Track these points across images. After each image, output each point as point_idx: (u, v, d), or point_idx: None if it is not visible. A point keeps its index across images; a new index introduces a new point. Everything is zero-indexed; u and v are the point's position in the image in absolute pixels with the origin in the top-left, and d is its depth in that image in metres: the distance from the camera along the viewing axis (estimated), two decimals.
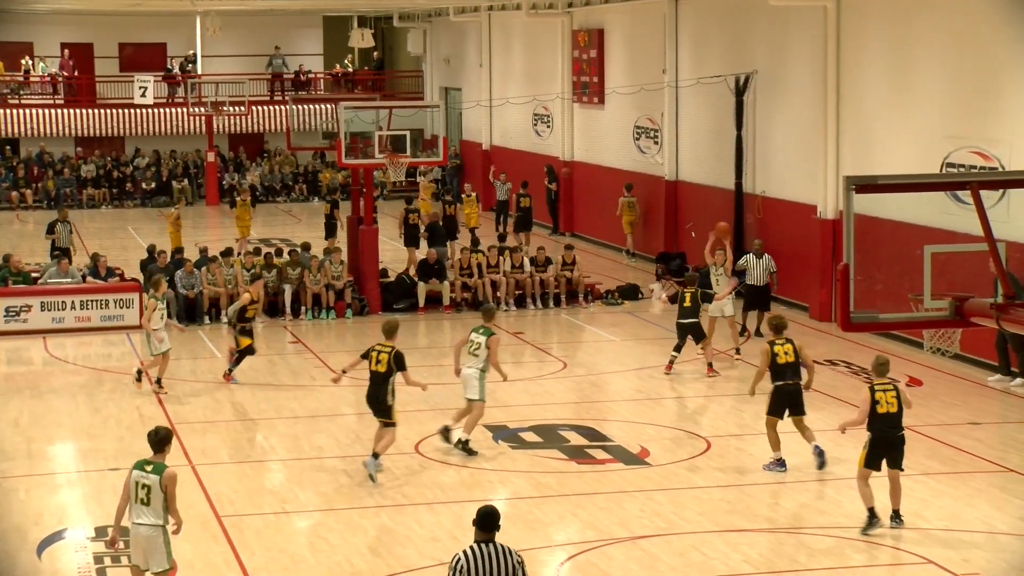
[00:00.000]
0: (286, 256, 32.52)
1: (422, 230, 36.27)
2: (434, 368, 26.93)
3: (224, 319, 26.64)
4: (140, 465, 13.83)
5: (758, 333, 28.02)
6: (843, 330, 11.81)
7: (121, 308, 30.34)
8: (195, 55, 58.31)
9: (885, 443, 16.76)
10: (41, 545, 17.21)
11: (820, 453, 19.77)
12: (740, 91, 33.85)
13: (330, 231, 37.72)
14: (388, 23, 60.35)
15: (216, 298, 30.81)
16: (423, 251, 33.91)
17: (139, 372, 24.50)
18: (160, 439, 14.02)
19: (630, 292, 33.64)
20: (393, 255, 36.42)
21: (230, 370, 25.49)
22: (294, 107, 55.12)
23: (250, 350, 25.32)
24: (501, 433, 22.02)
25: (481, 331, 21.19)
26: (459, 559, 11.06)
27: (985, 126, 25.81)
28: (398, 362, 19.65)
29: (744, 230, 34.02)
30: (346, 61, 61.75)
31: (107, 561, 16.33)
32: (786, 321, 20.41)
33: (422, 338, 30.39)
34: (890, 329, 23.88)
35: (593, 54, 42.12)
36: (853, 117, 29.83)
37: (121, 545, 14.55)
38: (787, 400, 19.59)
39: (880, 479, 17.13)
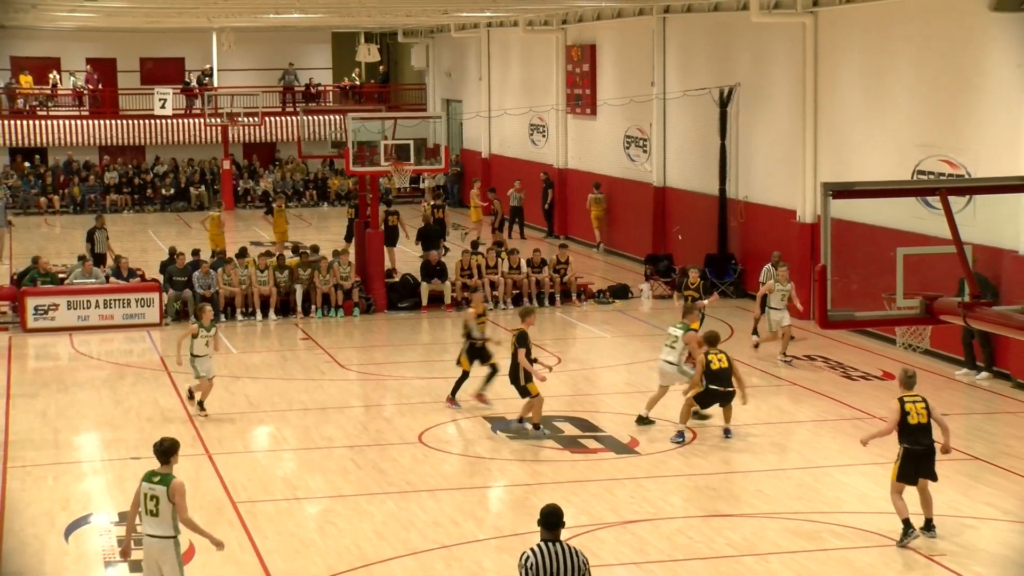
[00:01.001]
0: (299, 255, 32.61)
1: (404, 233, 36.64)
2: (437, 363, 26.94)
3: (464, 333, 23.53)
4: (148, 477, 13.31)
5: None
6: (821, 327, 11.81)
7: (142, 307, 30.33)
8: (211, 69, 58.42)
9: (917, 455, 15.90)
10: (68, 529, 17.22)
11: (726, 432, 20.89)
12: (724, 102, 33.87)
13: (350, 234, 37.63)
14: (393, 39, 60.36)
15: (232, 297, 30.89)
16: (411, 250, 33.92)
17: (190, 391, 23.23)
18: (165, 450, 13.42)
19: (621, 292, 33.66)
20: (399, 256, 36.38)
21: (481, 394, 23.13)
22: (305, 118, 55.24)
23: (493, 368, 23.01)
24: (499, 424, 22.00)
25: (679, 326, 21.58)
26: (528, 556, 10.84)
27: (953, 136, 25.82)
28: (519, 341, 21.14)
29: (728, 234, 34.09)
30: (354, 74, 61.80)
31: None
32: (719, 335, 21.38)
33: (425, 335, 30.41)
34: (865, 327, 23.85)
35: (586, 68, 42.14)
36: (830, 127, 29.84)
37: (133, 556, 14.27)
38: (719, 397, 20.66)
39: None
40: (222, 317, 30.47)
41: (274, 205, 40.83)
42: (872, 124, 28.33)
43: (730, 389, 20.51)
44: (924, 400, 16.02)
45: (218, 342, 22.96)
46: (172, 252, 32.15)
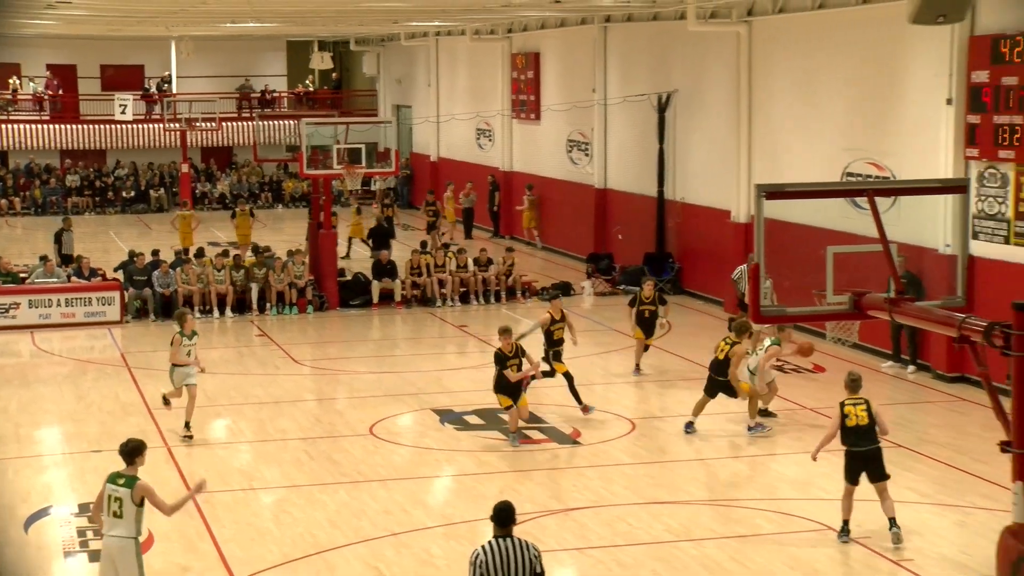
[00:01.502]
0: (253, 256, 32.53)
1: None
2: (387, 359, 26.95)
3: (524, 332, 22.56)
4: (112, 479, 12.78)
5: None
6: (755, 322, 11.87)
7: (103, 305, 30.12)
8: (170, 76, 58.07)
9: (858, 456, 15.61)
10: (28, 521, 17.04)
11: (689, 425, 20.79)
12: (662, 108, 33.94)
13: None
14: (345, 47, 60.18)
15: (190, 295, 30.72)
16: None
17: (164, 397, 21.38)
18: (131, 450, 12.90)
19: (563, 288, 33.62)
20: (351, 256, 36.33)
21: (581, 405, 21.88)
22: (260, 123, 55.10)
23: (566, 376, 21.95)
24: (447, 416, 21.98)
25: (772, 340, 21.06)
26: (478, 554, 10.67)
27: (879, 140, 25.96)
28: (496, 360, 20.33)
29: (666, 233, 34.17)
30: (307, 81, 61.64)
31: (89, 535, 16.18)
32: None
33: (376, 331, 30.33)
34: (797, 321, 23.94)
35: (530, 75, 42.16)
36: (763, 131, 29.95)
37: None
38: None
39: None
40: None
41: (237, 209, 40.68)
42: (803, 129, 28.46)
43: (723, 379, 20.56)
44: (867, 403, 15.75)
45: (197, 356, 20.99)
46: (131, 255, 31.97)
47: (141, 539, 12.88)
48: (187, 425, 20.71)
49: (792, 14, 28.71)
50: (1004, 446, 9.94)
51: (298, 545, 16.07)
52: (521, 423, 20.36)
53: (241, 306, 31.21)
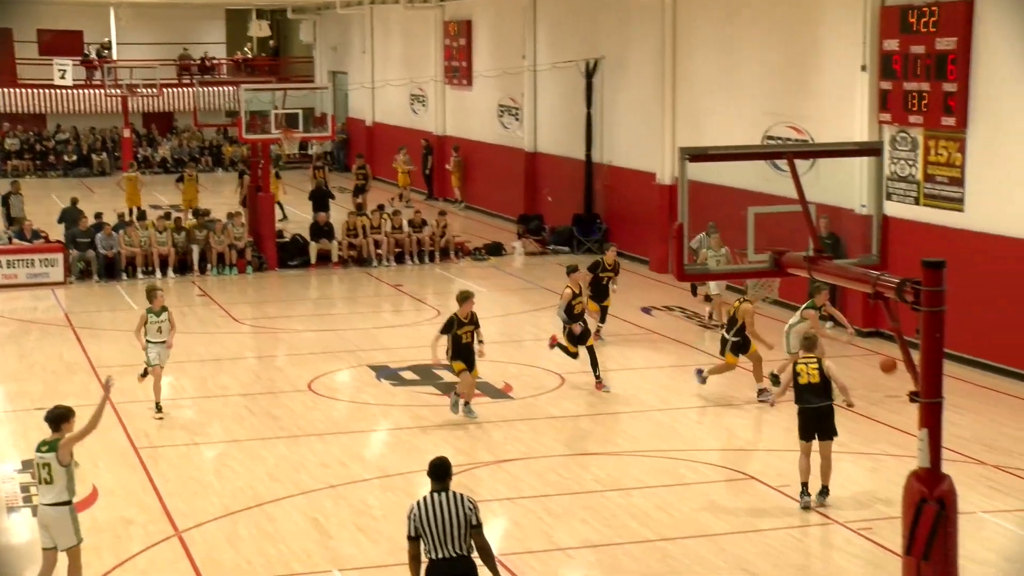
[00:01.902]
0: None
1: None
2: (325, 317, 26.88)
3: (559, 314, 21.09)
4: (39, 447, 12.40)
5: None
6: (678, 280, 11.91)
7: (46, 267, 29.79)
8: (110, 42, 57.34)
9: (809, 414, 15.32)
10: None
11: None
12: (590, 74, 33.94)
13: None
14: (283, 15, 59.72)
15: (133, 257, 30.56)
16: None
17: (145, 371, 20.04)
18: (55, 417, 12.49)
19: (495, 249, 33.72)
20: (288, 217, 36.10)
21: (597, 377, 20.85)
22: (200, 89, 54.58)
23: (590, 350, 20.88)
24: (383, 372, 21.96)
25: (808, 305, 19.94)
26: (413, 508, 10.61)
27: (798, 104, 26.09)
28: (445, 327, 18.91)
29: (593, 195, 34.23)
30: (246, 49, 61.16)
31: (32, 491, 16.03)
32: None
33: (313, 291, 30.24)
34: (718, 279, 24.13)
35: (462, 42, 42.03)
36: (687, 96, 30.02)
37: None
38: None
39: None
40: (123, 276, 30.18)
41: (185, 173, 40.34)
42: (725, 94, 28.55)
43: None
44: (819, 361, 15.49)
45: (173, 331, 19.79)
46: (73, 202, 31.76)
47: (75, 500, 12.63)
48: (158, 407, 19.58)
49: None
50: (912, 396, 10.04)
51: (239, 498, 16.02)
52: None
53: (183, 267, 31.01)
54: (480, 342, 18.92)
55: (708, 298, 25.31)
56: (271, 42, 61.96)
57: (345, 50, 53.93)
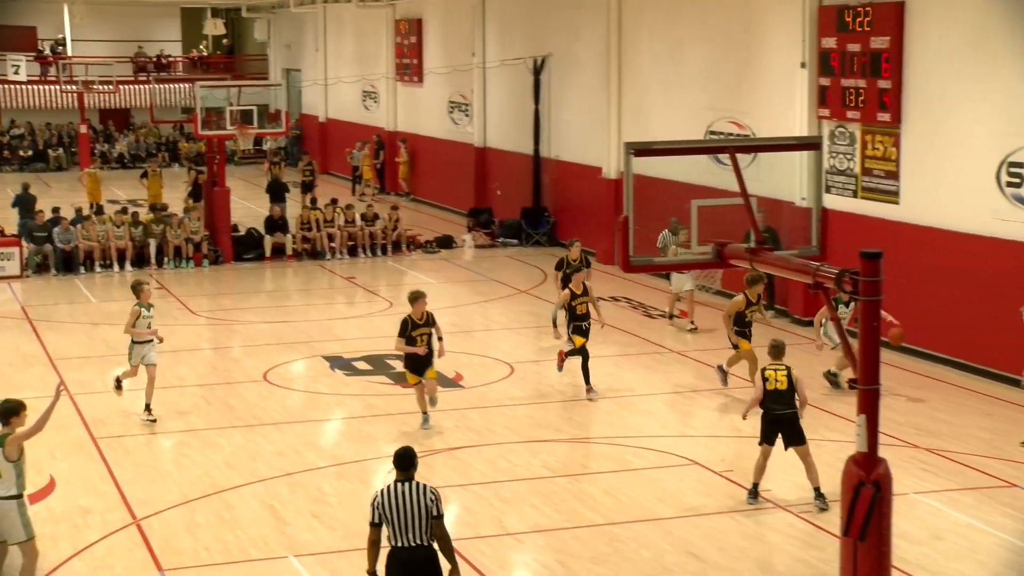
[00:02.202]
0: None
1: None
2: (280, 308, 26.78)
3: (552, 317, 20.05)
4: None
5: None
6: (624, 271, 11.93)
7: (2, 260, 29.52)
8: (64, 39, 56.82)
9: (774, 420, 14.96)
10: None
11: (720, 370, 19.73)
12: (537, 71, 33.96)
13: (196, 194, 37.25)
14: (237, 14, 59.35)
15: (90, 251, 30.39)
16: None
17: (118, 380, 19.04)
18: (4, 412, 12.02)
19: (445, 242, 33.68)
20: (244, 212, 35.93)
21: (561, 366, 19.97)
22: (156, 86, 54.21)
23: (583, 351, 19.66)
24: (337, 362, 21.91)
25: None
26: (376, 496, 10.58)
27: (739, 100, 26.20)
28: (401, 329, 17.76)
29: (542, 189, 34.26)
30: (201, 47, 60.79)
31: None
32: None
33: (268, 283, 30.12)
34: (663, 270, 24.22)
35: (413, 40, 41.96)
36: (632, 92, 30.08)
37: None
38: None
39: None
40: (81, 269, 29.99)
41: (149, 169, 40.05)
42: (669, 90, 28.62)
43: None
44: (788, 369, 15.20)
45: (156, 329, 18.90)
46: (24, 187, 31.54)
47: (31, 491, 12.39)
48: (147, 408, 18.56)
49: None
50: (851, 383, 10.11)
51: (197, 485, 15.94)
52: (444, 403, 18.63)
53: (140, 260, 30.85)
54: (440, 339, 17.87)
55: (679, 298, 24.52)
56: (226, 40, 61.64)
57: (299, 48, 53.73)
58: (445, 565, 10.60)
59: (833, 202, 23.44)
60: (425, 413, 18.00)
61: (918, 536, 14.05)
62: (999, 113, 20.31)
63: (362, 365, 21.83)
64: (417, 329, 17.64)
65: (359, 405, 19.58)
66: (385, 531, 10.51)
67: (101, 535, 14.34)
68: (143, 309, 18.59)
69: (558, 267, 23.21)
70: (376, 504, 10.53)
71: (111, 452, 17.24)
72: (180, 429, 18.44)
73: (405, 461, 10.70)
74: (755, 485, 15.22)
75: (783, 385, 15.03)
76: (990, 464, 16.42)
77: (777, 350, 15.55)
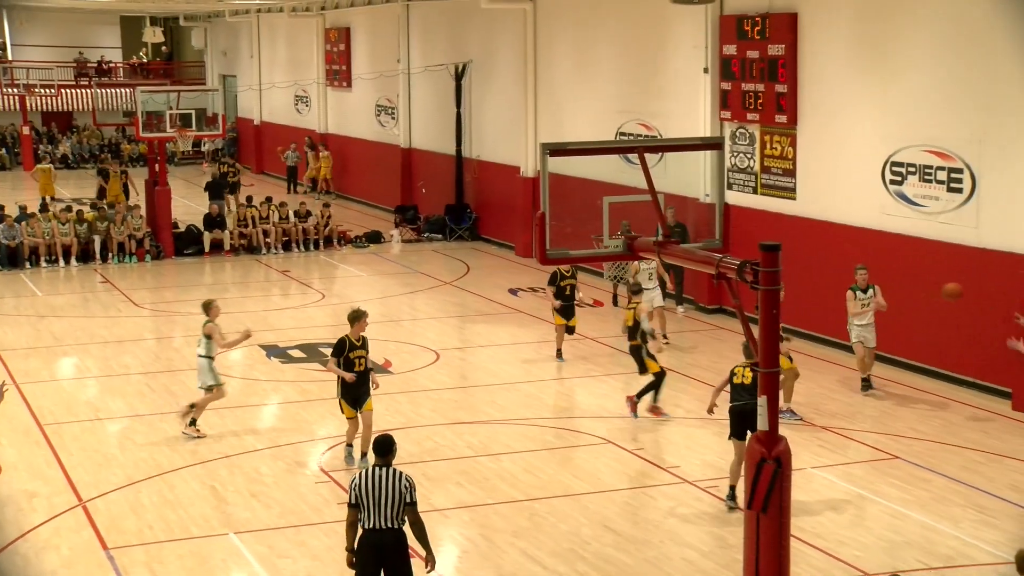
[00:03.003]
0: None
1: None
2: (219, 301, 26.44)
3: (647, 331, 17.76)
4: None
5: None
6: (541, 264, 11.91)
7: None
8: (5, 43, 55.88)
9: (737, 412, 14.38)
10: None
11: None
12: (459, 76, 33.89)
13: (124, 192, 37.15)
14: (175, 22, 58.80)
15: (36, 247, 29.97)
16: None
17: (191, 411, 17.28)
18: None
19: (374, 237, 33.56)
20: (184, 210, 35.56)
21: (638, 397, 17.68)
22: (98, 91, 53.51)
23: (661, 376, 17.56)
24: (272, 351, 21.76)
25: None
26: (354, 479, 10.53)
27: (647, 103, 26.29)
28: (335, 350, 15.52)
29: (464, 187, 34.20)
30: (141, 53, 60.07)
31: None
32: None
33: (208, 277, 29.83)
34: (578, 262, 24.23)
35: (342, 47, 41.75)
36: (547, 96, 30.10)
37: None
38: None
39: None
40: (27, 264, 29.57)
41: (110, 169, 39.46)
42: (582, 94, 28.67)
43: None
44: (753, 367, 14.90)
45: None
46: None
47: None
48: (193, 422, 17.11)
49: None
50: (753, 367, 10.16)
51: (141, 468, 15.78)
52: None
53: (85, 256, 30.47)
54: (370, 369, 15.58)
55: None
56: (165, 47, 60.95)
57: (234, 55, 53.27)
58: (421, 553, 10.63)
59: (735, 198, 23.61)
60: (350, 446, 15.77)
61: (815, 507, 14.20)
62: (883, 116, 20.56)
63: (296, 353, 21.70)
64: (355, 351, 15.31)
65: (294, 391, 19.46)
66: (360, 513, 10.46)
67: (47, 517, 14.14)
68: (215, 326, 17.14)
69: (551, 282, 20.38)
70: (354, 486, 10.48)
71: (57, 438, 17.01)
72: (125, 415, 18.24)
73: (383, 447, 10.65)
74: (731, 488, 14.25)
75: (748, 380, 14.41)
76: (877, 439, 16.65)
77: (747, 350, 15.00)
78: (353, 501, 10.50)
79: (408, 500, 10.43)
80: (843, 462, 15.83)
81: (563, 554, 13.00)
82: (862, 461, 15.87)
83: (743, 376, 14.69)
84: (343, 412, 15.59)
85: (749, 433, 14.59)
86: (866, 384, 18.83)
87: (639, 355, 17.62)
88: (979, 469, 15.44)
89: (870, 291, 18.62)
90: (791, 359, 17.24)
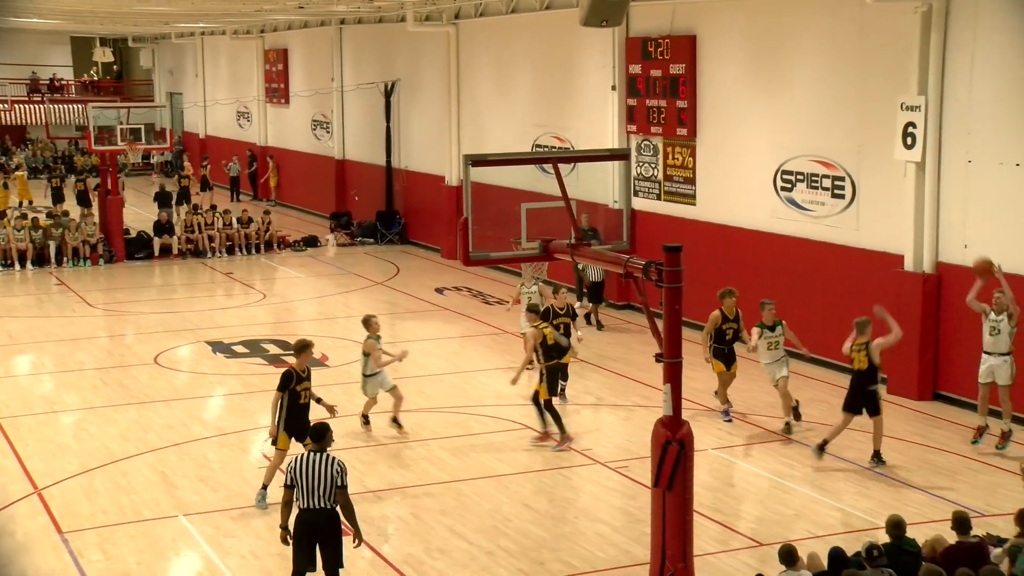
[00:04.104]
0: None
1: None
2: (167, 301, 26.25)
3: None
4: None
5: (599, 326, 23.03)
6: (465, 265, 11.89)
7: None
8: None
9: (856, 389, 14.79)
10: None
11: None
12: (388, 93, 33.76)
13: (83, 200, 36.58)
14: (125, 43, 57.99)
15: None
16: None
17: (364, 417, 16.47)
18: None
19: (311, 241, 33.34)
20: (134, 217, 35.09)
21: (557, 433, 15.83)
22: (51, 106, 52.66)
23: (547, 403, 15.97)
24: (218, 347, 21.54)
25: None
26: (291, 462, 10.51)
27: (560, 118, 26.35)
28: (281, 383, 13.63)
29: (393, 195, 34.09)
30: (92, 71, 59.18)
31: None
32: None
33: (157, 279, 29.47)
34: (498, 263, 24.20)
35: (280, 67, 41.44)
36: (469, 111, 30.07)
37: None
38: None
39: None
40: None
41: (85, 181, 38.76)
42: (501, 109, 28.68)
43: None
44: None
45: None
46: None
47: None
48: (395, 420, 16.21)
49: (490, 17, 28.85)
50: (658, 357, 10.21)
51: (95, 456, 15.54)
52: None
53: (40, 260, 29.98)
54: (319, 399, 14.13)
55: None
56: (114, 67, 60.11)
57: (180, 74, 52.70)
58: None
59: (641, 204, 23.73)
60: (265, 487, 13.67)
61: (714, 484, 14.30)
62: (773, 129, 20.76)
63: (240, 348, 21.50)
64: (301, 383, 13.63)
65: (238, 383, 19.28)
66: (296, 493, 10.44)
67: (3, 505, 13.89)
68: (375, 340, 15.93)
69: (544, 317, 16.80)
70: (290, 468, 10.49)
71: (13, 430, 16.71)
72: (80, 407, 17.96)
73: (317, 434, 10.70)
74: (825, 441, 14.99)
75: (864, 365, 14.67)
76: (770, 423, 16.80)
77: (862, 326, 14.90)
78: (289, 483, 10.47)
79: (340, 483, 10.43)
80: (740, 443, 15.96)
81: (486, 530, 12.98)
82: (757, 443, 16.01)
83: (859, 361, 14.77)
84: (276, 444, 13.48)
85: (864, 411, 14.86)
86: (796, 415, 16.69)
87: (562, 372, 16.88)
88: (858, 447, 15.63)
89: (778, 328, 16.48)
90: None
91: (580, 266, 21.89)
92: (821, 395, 18.23)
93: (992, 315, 15.22)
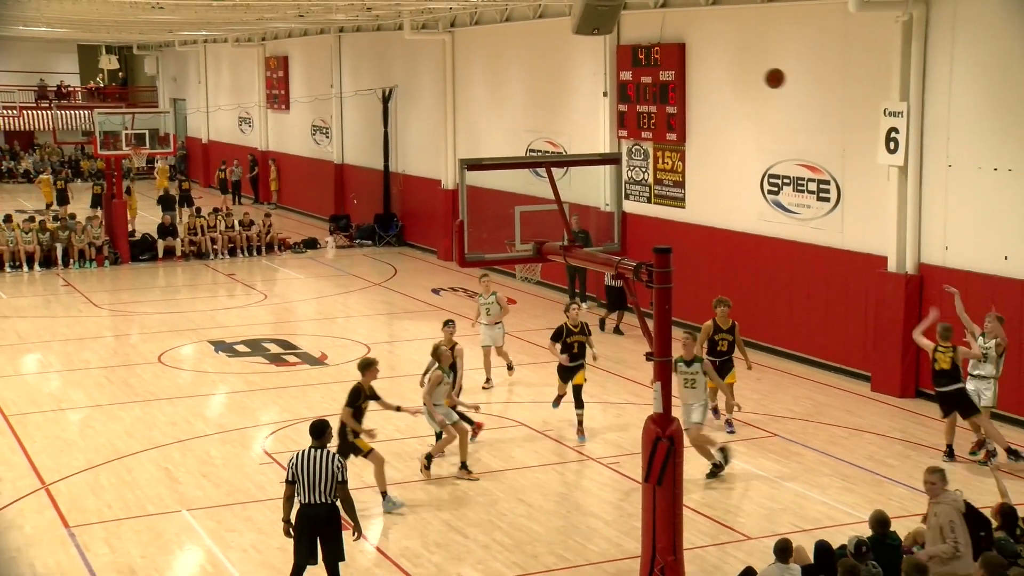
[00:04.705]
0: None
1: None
2: (171, 301, 26.23)
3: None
4: None
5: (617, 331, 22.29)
6: (460, 266, 11.89)
7: None
8: None
9: (944, 396, 14.63)
10: None
11: None
12: (386, 99, 33.74)
13: (97, 203, 36.58)
14: (130, 51, 57.92)
15: (0, 254, 29.38)
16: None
17: (428, 457, 14.59)
18: None
19: (311, 243, 33.32)
20: (139, 220, 35.05)
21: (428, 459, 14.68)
22: (58, 112, 52.60)
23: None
24: (220, 346, 21.52)
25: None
26: (292, 458, 10.50)
27: (553, 123, 26.35)
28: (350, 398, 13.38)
29: (391, 198, 34.06)
30: (98, 79, 59.13)
31: None
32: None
33: (161, 280, 29.42)
34: (493, 264, 24.16)
35: (280, 74, 41.40)
36: (464, 117, 30.06)
37: None
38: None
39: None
40: None
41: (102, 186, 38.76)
42: (495, 114, 28.67)
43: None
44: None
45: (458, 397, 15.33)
46: None
47: None
48: (464, 466, 14.48)
49: (484, 25, 28.84)
50: (648, 356, 10.22)
51: (101, 453, 15.51)
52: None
53: (48, 262, 29.93)
54: (397, 408, 13.78)
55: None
56: (120, 74, 60.04)
57: (183, 80, 52.64)
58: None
59: (631, 207, 23.72)
60: (385, 494, 13.44)
61: (700, 479, 14.29)
62: (760, 134, 20.76)
63: (242, 348, 21.47)
64: (366, 401, 13.36)
65: (240, 381, 19.25)
66: (296, 489, 10.42)
67: (11, 500, 13.85)
68: (445, 374, 14.35)
69: (555, 338, 16.12)
70: (291, 464, 10.48)
71: (21, 427, 16.67)
72: (86, 405, 17.93)
73: (317, 430, 10.67)
74: (949, 447, 14.97)
75: (947, 365, 14.49)
76: (759, 419, 16.80)
77: (946, 332, 14.53)
78: (290, 478, 10.46)
79: (340, 479, 10.42)
80: (729, 440, 15.93)
81: (482, 524, 12.98)
82: (746, 439, 16.00)
83: (942, 362, 14.59)
84: (365, 454, 13.19)
85: (957, 414, 14.67)
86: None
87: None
88: (842, 443, 15.65)
89: (695, 365, 14.42)
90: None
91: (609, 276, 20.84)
92: (805, 392, 18.24)
93: (982, 340, 14.76)
